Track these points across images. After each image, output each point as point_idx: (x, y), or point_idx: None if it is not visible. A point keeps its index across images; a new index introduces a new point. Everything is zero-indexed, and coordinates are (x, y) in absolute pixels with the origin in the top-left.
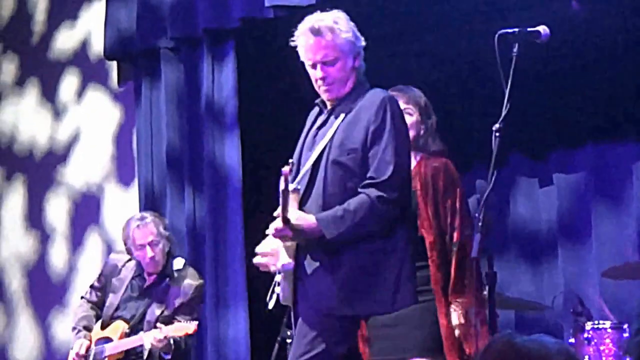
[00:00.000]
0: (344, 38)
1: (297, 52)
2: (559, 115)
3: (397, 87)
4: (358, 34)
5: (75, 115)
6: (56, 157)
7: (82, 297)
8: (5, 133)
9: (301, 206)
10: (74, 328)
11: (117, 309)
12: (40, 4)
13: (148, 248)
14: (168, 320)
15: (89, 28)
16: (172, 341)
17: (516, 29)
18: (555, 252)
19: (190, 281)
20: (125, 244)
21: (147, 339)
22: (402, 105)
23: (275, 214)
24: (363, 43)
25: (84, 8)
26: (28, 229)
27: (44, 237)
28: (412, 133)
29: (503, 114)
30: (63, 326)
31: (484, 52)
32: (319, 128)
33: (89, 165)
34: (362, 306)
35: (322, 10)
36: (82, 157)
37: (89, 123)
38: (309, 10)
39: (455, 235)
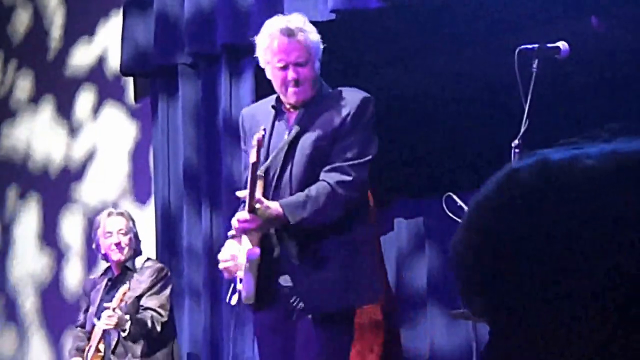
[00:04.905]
0: (314, 40)
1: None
2: (577, 131)
3: None
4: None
5: (91, 132)
6: (71, 174)
7: (75, 326)
8: (20, 150)
9: (270, 195)
10: (69, 353)
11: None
12: (57, 19)
13: (115, 234)
14: (134, 304)
15: (105, 44)
16: (127, 317)
17: (536, 45)
18: None
19: (149, 265)
20: (95, 238)
21: (100, 323)
22: None
23: (240, 194)
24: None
25: (100, 24)
26: (42, 247)
27: (59, 256)
28: None
29: (522, 130)
30: None
31: (503, 68)
32: (288, 132)
33: (105, 182)
34: (354, 298)
35: (340, 25)
36: (98, 175)
37: (105, 140)
38: (327, 25)
39: None
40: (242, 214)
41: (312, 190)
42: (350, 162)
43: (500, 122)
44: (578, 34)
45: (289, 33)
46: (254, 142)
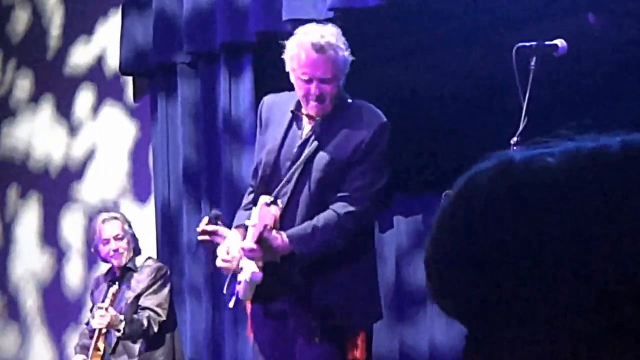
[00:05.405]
0: (343, 56)
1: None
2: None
3: None
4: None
5: (91, 131)
6: (71, 173)
7: (84, 323)
8: (20, 150)
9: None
10: (74, 350)
11: None
12: (56, 18)
13: (112, 241)
14: (133, 304)
15: (104, 43)
16: (121, 318)
17: (534, 43)
18: None
19: (149, 264)
20: (94, 244)
21: (94, 322)
22: None
23: (248, 223)
24: (351, 58)
25: (99, 23)
26: (43, 246)
27: (60, 255)
28: None
29: (521, 127)
30: None
31: (501, 66)
32: (303, 144)
33: (105, 181)
34: (354, 321)
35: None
36: (98, 174)
37: (105, 139)
38: (326, 23)
39: None
40: (249, 244)
41: (320, 220)
42: (360, 192)
43: (498, 119)
44: (576, 31)
45: (319, 49)
46: (271, 222)
